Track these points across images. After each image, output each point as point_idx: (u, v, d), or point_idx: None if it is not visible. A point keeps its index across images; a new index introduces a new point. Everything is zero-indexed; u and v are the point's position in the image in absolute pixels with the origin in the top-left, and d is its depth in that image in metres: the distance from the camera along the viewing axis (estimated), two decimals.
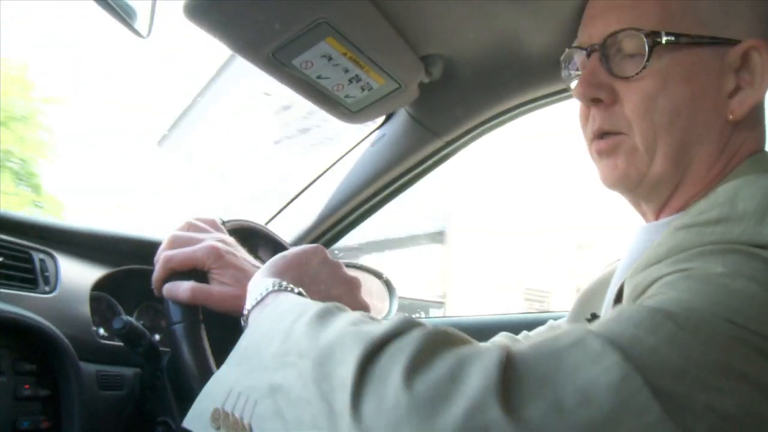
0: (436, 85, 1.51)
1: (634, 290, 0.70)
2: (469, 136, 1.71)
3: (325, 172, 1.79)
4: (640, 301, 0.66)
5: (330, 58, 1.25)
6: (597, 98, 0.90)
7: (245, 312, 0.84)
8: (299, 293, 0.84)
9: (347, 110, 1.44)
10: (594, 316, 0.99)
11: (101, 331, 1.25)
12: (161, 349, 1.16)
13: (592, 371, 0.53)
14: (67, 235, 1.28)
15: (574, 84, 0.94)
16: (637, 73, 0.86)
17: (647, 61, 0.84)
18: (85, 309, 1.19)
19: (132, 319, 1.09)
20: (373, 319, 0.68)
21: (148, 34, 1.11)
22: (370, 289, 2.01)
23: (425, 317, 2.37)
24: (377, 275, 2.05)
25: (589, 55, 0.92)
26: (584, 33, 0.95)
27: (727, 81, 0.86)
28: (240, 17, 1.13)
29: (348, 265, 1.93)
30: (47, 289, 1.14)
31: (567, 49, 1.01)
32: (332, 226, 1.82)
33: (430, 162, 1.76)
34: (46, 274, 1.16)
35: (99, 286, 1.28)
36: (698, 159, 0.87)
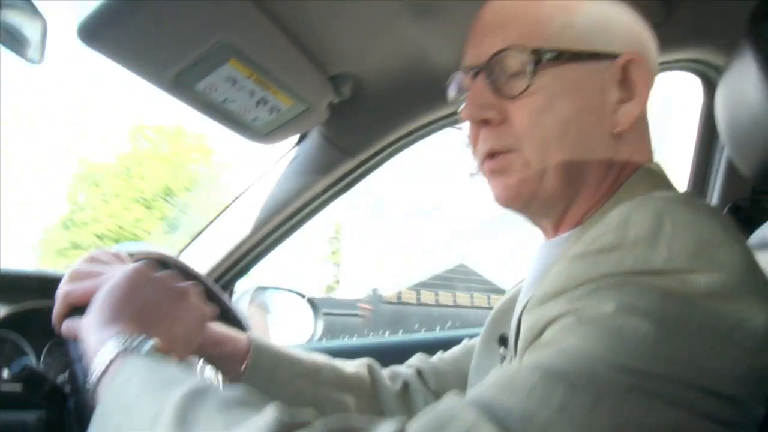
0: (346, 105, 1.50)
1: (530, 330, 0.70)
2: (382, 154, 1.71)
3: (238, 197, 1.76)
4: (533, 347, 0.66)
5: (235, 81, 1.23)
6: (486, 119, 0.90)
7: (89, 383, 0.78)
8: (150, 347, 0.79)
9: (257, 133, 1.42)
10: (502, 338, 0.97)
11: (5, 373, 1.19)
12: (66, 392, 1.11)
13: None
14: None
15: (462, 107, 0.93)
16: (523, 91, 0.86)
17: (532, 78, 0.85)
18: None
19: (30, 363, 1.04)
20: (247, 405, 0.63)
21: (41, 61, 1.07)
22: (292, 311, 1.99)
23: (346, 340, 2.35)
24: (299, 295, 2.03)
25: (475, 76, 0.92)
26: (469, 54, 0.95)
27: (610, 94, 0.87)
28: (138, 40, 1.09)
29: (268, 288, 1.91)
30: None
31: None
32: (249, 251, 1.79)
33: (344, 182, 1.75)
34: None
35: (2, 324, 1.22)
36: (589, 173, 0.87)
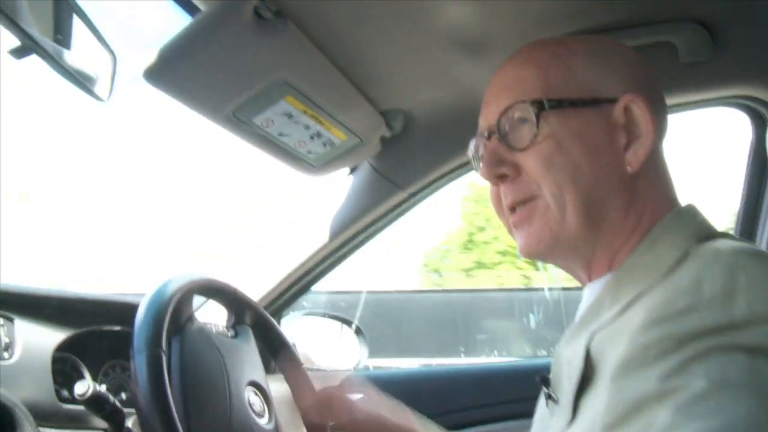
0: (398, 139, 1.53)
1: (619, 403, 0.68)
2: (431, 187, 1.73)
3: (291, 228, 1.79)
4: None
5: (290, 116, 1.27)
6: (502, 174, 0.94)
7: None
8: None
9: (310, 165, 1.45)
10: (544, 379, 0.96)
11: (65, 392, 1.23)
12: (125, 410, 1.14)
13: None
14: (27, 299, 1.27)
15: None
16: (531, 141, 0.90)
17: (537, 127, 0.90)
18: (46, 373, 1.17)
19: (93, 384, 1.08)
20: None
21: (109, 97, 1.11)
22: (339, 337, 2.01)
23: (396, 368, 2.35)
24: (346, 321, 2.05)
25: (488, 139, 0.97)
26: (482, 120, 1.01)
27: (617, 136, 0.90)
28: (200, 79, 1.13)
29: (316, 314, 1.93)
30: (6, 355, 1.13)
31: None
32: (299, 280, 1.82)
33: (393, 213, 1.77)
34: (6, 339, 1.15)
35: (63, 347, 1.27)
36: (609, 213, 0.90)
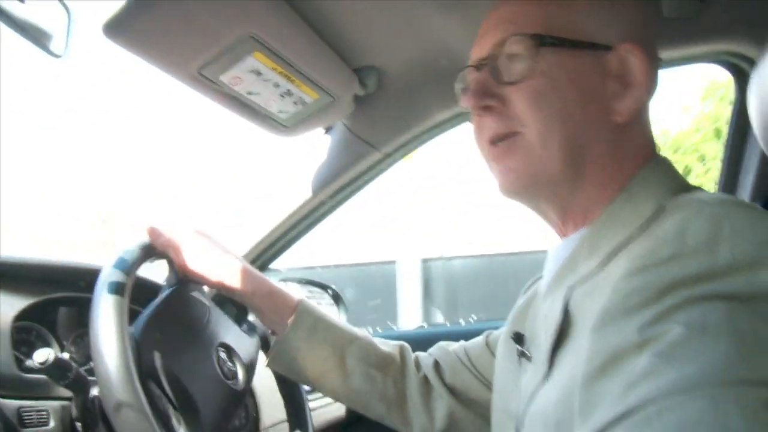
0: (372, 98, 1.50)
1: (597, 353, 0.68)
2: (407, 147, 1.71)
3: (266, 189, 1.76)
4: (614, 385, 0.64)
5: (259, 74, 1.23)
6: (488, 105, 0.92)
7: None
8: None
9: (281, 125, 1.42)
10: (518, 336, 0.99)
11: (29, 362, 1.20)
12: (91, 378, 1.11)
13: None
14: None
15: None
16: (523, 76, 0.89)
17: (532, 62, 0.88)
18: (6, 342, 1.13)
19: (55, 351, 1.05)
20: None
21: (64, 54, 1.07)
22: (315, 302, 1.99)
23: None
24: (323, 288, 2.04)
25: (479, 69, 0.95)
26: (474, 52, 0.98)
27: (610, 85, 0.88)
28: (163, 35, 1.09)
29: (292, 280, 1.91)
30: None
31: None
32: (274, 243, 1.79)
33: (369, 174, 1.75)
34: None
35: (26, 315, 1.23)
36: (591, 160, 0.89)
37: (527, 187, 0.92)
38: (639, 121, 0.91)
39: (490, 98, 0.92)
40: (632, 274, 0.70)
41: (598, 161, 0.89)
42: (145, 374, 1.08)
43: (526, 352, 0.94)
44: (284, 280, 1.94)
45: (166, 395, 1.11)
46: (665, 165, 0.91)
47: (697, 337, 0.60)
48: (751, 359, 0.58)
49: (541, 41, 0.88)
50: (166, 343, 1.16)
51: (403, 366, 1.31)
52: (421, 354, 1.35)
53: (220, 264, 1.26)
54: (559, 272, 0.90)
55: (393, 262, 9.42)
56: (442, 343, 1.35)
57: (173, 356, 1.15)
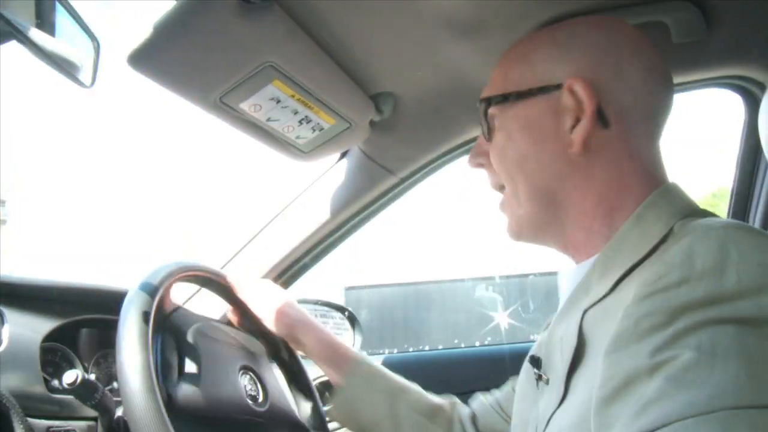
0: (388, 123, 1.52)
1: (611, 378, 0.69)
2: (423, 171, 1.73)
3: (280, 212, 1.78)
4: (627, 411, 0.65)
5: (278, 101, 1.25)
6: (479, 163, 1.10)
7: None
8: None
9: (299, 151, 1.44)
10: (534, 359, 1.00)
11: (55, 383, 1.23)
12: (116, 399, 1.14)
13: None
14: (15, 288, 1.26)
15: None
16: (491, 136, 1.03)
17: (491, 122, 1.02)
18: (35, 363, 1.16)
19: (83, 372, 1.07)
20: None
21: (92, 84, 1.10)
22: (332, 323, 2.01)
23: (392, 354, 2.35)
24: (340, 310, 2.05)
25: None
26: None
27: (566, 120, 0.93)
28: (185, 65, 1.12)
29: (308, 302, 1.93)
30: None
31: None
32: (290, 267, 1.81)
33: (385, 198, 1.77)
34: None
35: (52, 337, 1.26)
36: (564, 196, 0.95)
37: (520, 234, 1.02)
38: (614, 146, 0.92)
39: (480, 157, 1.08)
40: (642, 299, 0.71)
41: (574, 194, 0.94)
42: (171, 396, 1.11)
43: (543, 375, 0.95)
44: (301, 301, 1.95)
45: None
46: (675, 190, 0.92)
47: (707, 361, 0.61)
48: (761, 383, 0.59)
49: (490, 102, 1.01)
50: (195, 375, 1.20)
51: (451, 417, 1.38)
52: (460, 405, 1.42)
53: (287, 315, 1.40)
54: (573, 295, 0.92)
55: None
56: (479, 395, 1.42)
57: (199, 378, 1.18)
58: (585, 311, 0.84)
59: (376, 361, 1.41)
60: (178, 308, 1.32)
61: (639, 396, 0.64)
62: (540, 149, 0.94)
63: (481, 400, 1.40)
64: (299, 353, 1.54)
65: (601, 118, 0.91)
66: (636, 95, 0.93)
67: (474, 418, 1.36)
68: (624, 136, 0.93)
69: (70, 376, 1.05)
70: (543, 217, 0.97)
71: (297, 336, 1.40)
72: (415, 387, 1.40)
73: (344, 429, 1.82)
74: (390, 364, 1.75)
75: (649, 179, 0.93)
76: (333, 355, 1.39)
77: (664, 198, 0.90)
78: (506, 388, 1.37)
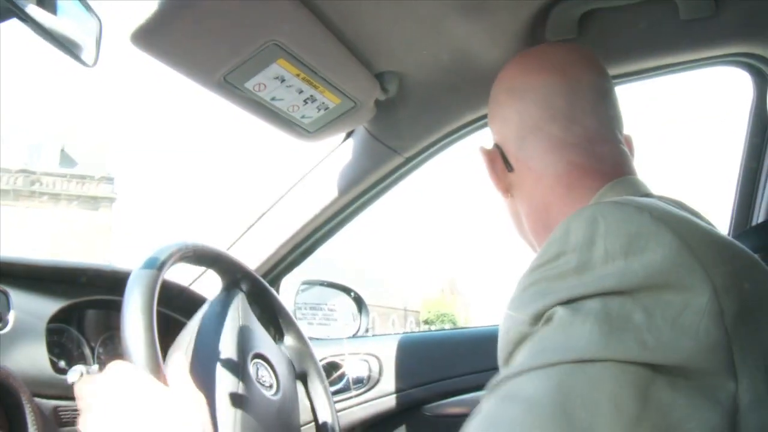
0: (393, 102, 1.51)
1: (506, 342, 0.78)
2: (429, 151, 1.72)
3: (286, 193, 1.78)
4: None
5: (283, 80, 1.25)
6: None
7: None
8: None
9: (304, 131, 1.43)
10: None
11: (62, 363, 1.23)
12: None
13: None
14: (21, 269, 1.26)
15: None
16: None
17: None
18: (41, 343, 1.17)
19: (85, 368, 1.06)
20: None
21: (95, 63, 1.09)
22: (338, 305, 2.01)
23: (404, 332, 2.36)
24: (345, 291, 2.05)
25: None
26: None
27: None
28: (189, 43, 1.11)
29: (314, 283, 1.93)
30: None
31: None
32: (296, 246, 1.81)
33: (391, 178, 1.76)
34: None
35: (59, 318, 1.26)
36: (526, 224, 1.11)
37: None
38: (519, 180, 1.08)
39: None
40: (530, 271, 0.78)
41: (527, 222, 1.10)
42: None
43: None
44: (307, 282, 1.95)
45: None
46: (617, 186, 0.98)
47: (565, 327, 0.68)
48: (609, 340, 0.65)
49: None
50: (204, 350, 1.20)
51: None
52: None
53: None
54: None
55: None
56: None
57: (211, 364, 1.18)
58: None
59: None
60: (185, 289, 1.33)
61: (518, 361, 0.72)
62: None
63: None
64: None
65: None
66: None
67: None
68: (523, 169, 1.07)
69: (74, 375, 1.05)
70: (531, 240, 1.11)
71: None
72: None
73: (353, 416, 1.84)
74: (406, 343, 1.76)
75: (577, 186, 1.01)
76: None
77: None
78: None
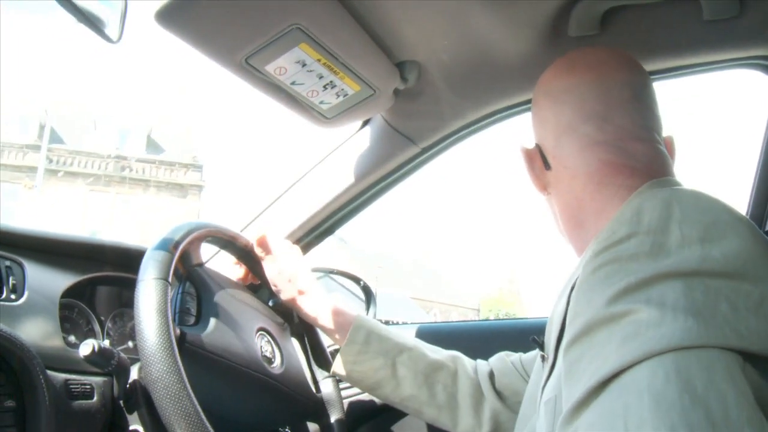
0: (412, 92, 1.52)
1: (574, 326, 0.76)
2: (446, 142, 1.72)
3: (301, 177, 1.78)
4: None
5: (304, 64, 1.25)
6: None
7: None
8: None
9: (322, 116, 1.43)
10: (535, 341, 1.13)
11: (72, 338, 1.23)
12: (131, 357, 1.15)
13: None
14: (37, 242, 1.26)
15: None
16: None
17: None
18: (54, 317, 1.17)
19: (97, 342, 1.07)
20: None
21: (119, 39, 1.09)
22: (347, 294, 2.02)
23: (410, 323, 2.35)
24: (354, 279, 2.05)
25: None
26: None
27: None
28: (213, 23, 1.11)
29: (323, 270, 1.94)
30: (13, 297, 1.12)
31: None
32: (309, 233, 1.81)
33: (406, 168, 1.76)
34: (13, 281, 1.14)
35: (71, 293, 1.26)
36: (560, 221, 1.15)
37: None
38: (556, 180, 1.12)
39: None
40: (597, 253, 0.77)
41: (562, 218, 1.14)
42: (184, 335, 1.16)
43: (545, 355, 1.04)
44: (316, 270, 1.96)
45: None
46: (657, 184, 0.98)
47: (657, 314, 0.66)
48: (707, 326, 0.64)
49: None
50: (212, 323, 1.23)
51: (455, 372, 1.42)
52: (480, 362, 1.47)
53: (294, 283, 1.47)
54: (567, 280, 0.98)
55: None
56: (501, 354, 1.48)
57: (215, 326, 1.23)
58: (572, 288, 0.88)
59: (379, 325, 1.47)
60: (202, 264, 1.34)
61: (596, 344, 0.70)
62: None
63: (503, 358, 1.45)
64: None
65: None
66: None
67: (492, 375, 1.41)
68: (566, 160, 1.09)
69: (86, 349, 1.06)
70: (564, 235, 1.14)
71: (299, 304, 1.46)
72: (416, 345, 1.45)
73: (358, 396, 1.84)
74: (422, 334, 1.77)
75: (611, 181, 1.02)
76: (335, 323, 1.45)
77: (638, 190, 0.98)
78: (534, 352, 1.40)
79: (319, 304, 1.46)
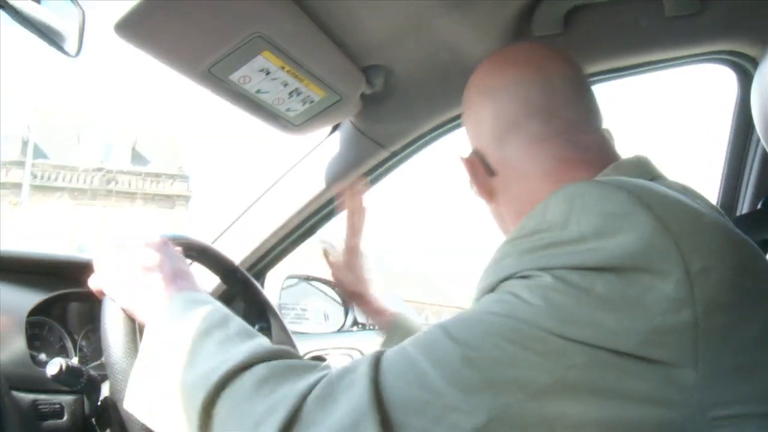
0: (379, 96, 1.52)
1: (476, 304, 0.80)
2: (415, 145, 1.72)
3: (273, 185, 1.77)
4: None
5: (268, 72, 1.25)
6: None
7: None
8: None
9: (290, 124, 1.43)
10: None
11: (43, 356, 1.22)
12: (102, 374, 1.14)
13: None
14: (1, 261, 1.25)
15: None
16: None
17: None
18: (20, 337, 1.16)
19: (65, 360, 1.06)
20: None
21: (78, 53, 1.09)
22: (324, 299, 2.02)
23: None
24: (332, 285, 2.05)
25: None
26: None
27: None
28: (173, 33, 1.11)
29: (298, 277, 1.93)
30: None
31: None
32: (281, 241, 1.81)
33: (376, 173, 1.76)
34: None
35: (40, 310, 1.25)
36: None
37: None
38: (514, 187, 1.04)
39: None
40: (505, 243, 0.79)
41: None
42: None
43: None
44: (291, 277, 1.95)
45: None
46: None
47: (531, 299, 0.69)
48: (563, 316, 0.67)
49: None
50: None
51: None
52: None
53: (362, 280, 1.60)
54: None
55: None
56: None
57: None
58: None
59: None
60: None
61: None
62: None
63: None
64: None
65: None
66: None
67: None
68: (512, 160, 1.03)
69: (53, 368, 1.05)
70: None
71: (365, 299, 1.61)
72: None
73: None
74: None
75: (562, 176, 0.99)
76: (379, 320, 1.60)
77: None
78: None
79: (372, 302, 1.61)
